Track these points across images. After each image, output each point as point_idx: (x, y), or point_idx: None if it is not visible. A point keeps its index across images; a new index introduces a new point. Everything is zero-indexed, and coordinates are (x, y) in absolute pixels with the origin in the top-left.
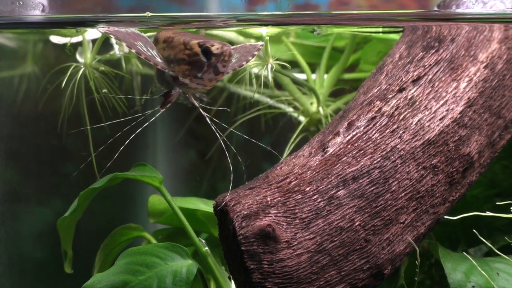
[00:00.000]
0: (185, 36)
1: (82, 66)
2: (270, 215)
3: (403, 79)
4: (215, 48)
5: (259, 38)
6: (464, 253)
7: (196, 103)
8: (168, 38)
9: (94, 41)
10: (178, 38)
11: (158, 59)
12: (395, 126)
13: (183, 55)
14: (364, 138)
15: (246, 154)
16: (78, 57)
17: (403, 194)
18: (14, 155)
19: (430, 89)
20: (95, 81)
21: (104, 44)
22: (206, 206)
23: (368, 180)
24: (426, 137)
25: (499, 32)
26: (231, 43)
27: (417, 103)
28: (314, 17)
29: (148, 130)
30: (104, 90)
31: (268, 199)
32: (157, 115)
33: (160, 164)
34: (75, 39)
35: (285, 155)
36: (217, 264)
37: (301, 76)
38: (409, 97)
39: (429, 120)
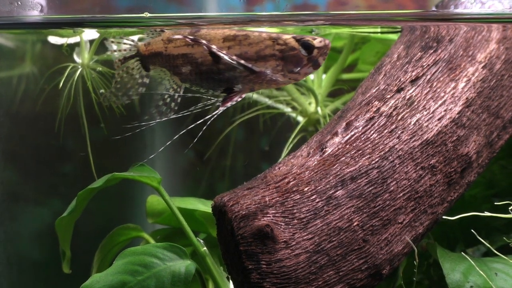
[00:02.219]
0: (261, 33)
1: (79, 67)
2: (268, 215)
3: (402, 79)
4: (318, 41)
5: None
6: (462, 253)
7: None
8: (233, 36)
9: (91, 41)
10: (258, 35)
11: (235, 57)
12: (393, 126)
13: (273, 50)
14: (363, 138)
15: (245, 154)
16: (75, 57)
17: (401, 194)
18: (12, 155)
19: (429, 89)
20: (93, 82)
21: (101, 45)
22: (204, 206)
23: (367, 180)
24: (425, 137)
25: (497, 32)
26: None
27: (416, 103)
28: (313, 17)
29: (146, 130)
30: (102, 90)
31: (267, 199)
32: (218, 112)
33: (159, 164)
34: (72, 40)
35: (283, 155)
36: (215, 264)
37: None
38: (407, 97)
39: (428, 120)
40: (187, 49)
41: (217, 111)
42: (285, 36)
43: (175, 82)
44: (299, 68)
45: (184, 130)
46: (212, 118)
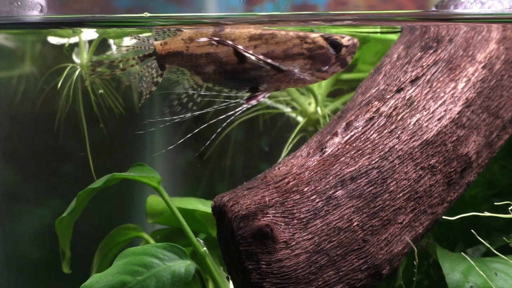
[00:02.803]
0: (287, 31)
1: (78, 67)
2: (268, 215)
3: (401, 79)
4: (346, 40)
5: None
6: (462, 253)
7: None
8: (260, 35)
9: (90, 41)
10: (285, 34)
11: (262, 56)
12: (393, 127)
13: (301, 49)
14: (362, 139)
15: (245, 154)
16: (74, 57)
17: (401, 195)
18: (12, 156)
19: (428, 89)
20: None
21: (101, 45)
22: (204, 206)
23: (366, 180)
24: (424, 138)
25: (497, 32)
26: None
27: (415, 103)
28: (312, 17)
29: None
30: (100, 91)
31: (266, 199)
32: (242, 109)
33: (158, 164)
34: (73, 40)
35: (283, 155)
36: (215, 264)
37: None
38: (407, 97)
39: (427, 121)
40: (211, 48)
41: (240, 109)
42: (313, 35)
43: (196, 81)
44: (327, 67)
45: (195, 131)
46: (232, 117)
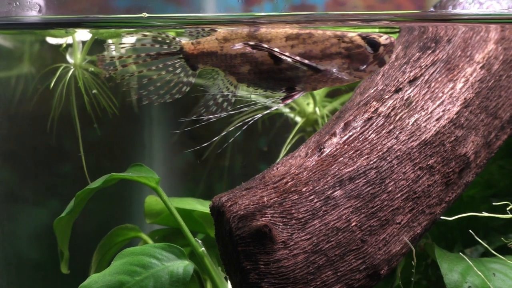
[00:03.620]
0: (324, 31)
1: (72, 67)
2: (266, 215)
3: (400, 79)
4: (384, 38)
5: None
6: (460, 253)
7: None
8: (296, 34)
9: (85, 42)
10: (322, 33)
11: (298, 58)
12: (391, 127)
13: (339, 48)
14: (361, 139)
15: (243, 154)
16: (68, 57)
17: (399, 195)
18: (10, 156)
19: (427, 89)
20: (85, 82)
21: (95, 45)
22: (202, 206)
23: (365, 180)
24: (423, 138)
25: (495, 32)
26: None
27: (414, 103)
28: (311, 17)
29: (144, 130)
30: (94, 91)
31: (265, 199)
32: (275, 108)
33: (157, 165)
34: (71, 40)
35: (281, 155)
36: (213, 264)
37: None
38: (405, 97)
39: (426, 121)
40: (246, 48)
41: (274, 107)
42: (351, 34)
43: (230, 82)
44: (364, 66)
45: (220, 135)
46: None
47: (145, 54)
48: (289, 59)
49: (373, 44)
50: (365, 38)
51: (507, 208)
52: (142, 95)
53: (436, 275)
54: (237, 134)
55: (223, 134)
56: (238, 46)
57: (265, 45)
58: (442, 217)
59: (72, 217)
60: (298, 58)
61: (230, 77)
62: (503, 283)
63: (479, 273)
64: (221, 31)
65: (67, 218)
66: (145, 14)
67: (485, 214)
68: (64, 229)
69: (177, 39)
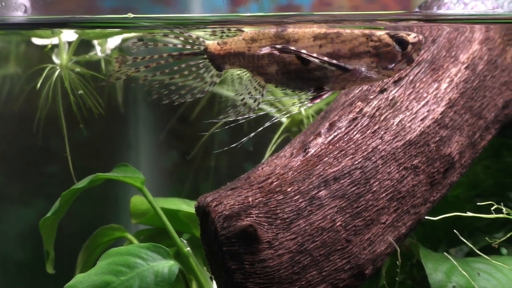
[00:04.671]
0: (352, 30)
1: (58, 68)
2: (251, 215)
3: (384, 79)
4: (412, 37)
5: None
6: (445, 253)
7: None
8: (324, 34)
9: (71, 42)
10: (350, 32)
11: (326, 58)
12: (376, 127)
13: (367, 47)
14: (346, 139)
15: (229, 154)
16: (54, 58)
17: (384, 195)
18: None
19: (411, 89)
20: (71, 83)
21: (81, 45)
22: (188, 206)
23: (350, 180)
24: (407, 138)
25: (480, 33)
26: None
27: (398, 103)
28: (297, 18)
29: (130, 130)
30: (80, 91)
31: (250, 199)
32: (304, 107)
33: (143, 165)
34: (56, 41)
35: (267, 155)
36: (199, 264)
37: None
38: (390, 97)
39: (410, 121)
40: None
41: (301, 107)
42: (379, 33)
43: (258, 82)
44: (393, 65)
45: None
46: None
47: (167, 54)
48: (317, 60)
49: (402, 42)
50: (393, 36)
51: (492, 208)
52: (162, 94)
53: (421, 274)
54: (247, 138)
55: (208, 134)
56: (265, 50)
57: (292, 47)
58: (427, 217)
59: (57, 217)
60: (326, 58)
61: (258, 78)
62: (488, 282)
63: (464, 272)
64: (248, 31)
65: (52, 218)
66: (130, 15)
67: (470, 214)
68: (49, 229)
69: (201, 39)
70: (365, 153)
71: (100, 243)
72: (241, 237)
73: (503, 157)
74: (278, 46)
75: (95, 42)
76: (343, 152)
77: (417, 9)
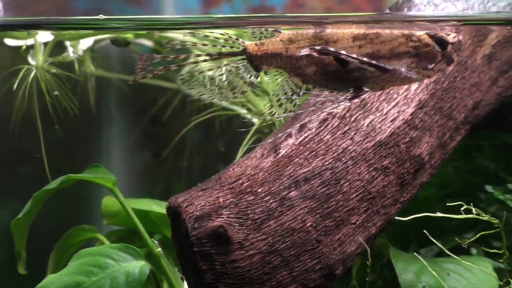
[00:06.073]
0: (391, 30)
1: (33, 69)
2: (222, 216)
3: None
4: (452, 37)
5: None
6: (415, 253)
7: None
8: (364, 34)
9: (46, 43)
10: (389, 33)
11: (366, 59)
12: (346, 128)
13: (407, 47)
14: (316, 140)
15: (201, 155)
16: (30, 59)
17: (354, 195)
18: None
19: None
20: (47, 83)
21: (57, 47)
22: (159, 207)
23: (320, 181)
24: (377, 139)
25: None
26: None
27: (369, 104)
28: (270, 19)
29: (102, 131)
30: (56, 92)
31: (221, 200)
32: (340, 107)
33: (115, 166)
34: (30, 42)
35: (238, 156)
36: (170, 265)
37: None
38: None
39: (380, 122)
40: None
41: (335, 106)
42: (418, 33)
43: (295, 83)
44: (433, 65)
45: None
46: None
47: (205, 54)
48: (356, 61)
49: (441, 42)
50: (433, 36)
51: (462, 209)
52: (201, 94)
53: (391, 275)
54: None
55: (181, 134)
56: (305, 52)
57: (331, 48)
58: (397, 217)
59: (29, 218)
60: (365, 59)
61: (295, 78)
62: (457, 282)
63: (434, 273)
64: (286, 32)
65: (24, 219)
66: (101, 16)
67: (440, 214)
68: (21, 230)
69: (241, 40)
70: (335, 154)
71: (71, 243)
72: (212, 238)
73: (473, 158)
74: (318, 48)
75: (68, 43)
76: (314, 153)
77: (388, 11)
